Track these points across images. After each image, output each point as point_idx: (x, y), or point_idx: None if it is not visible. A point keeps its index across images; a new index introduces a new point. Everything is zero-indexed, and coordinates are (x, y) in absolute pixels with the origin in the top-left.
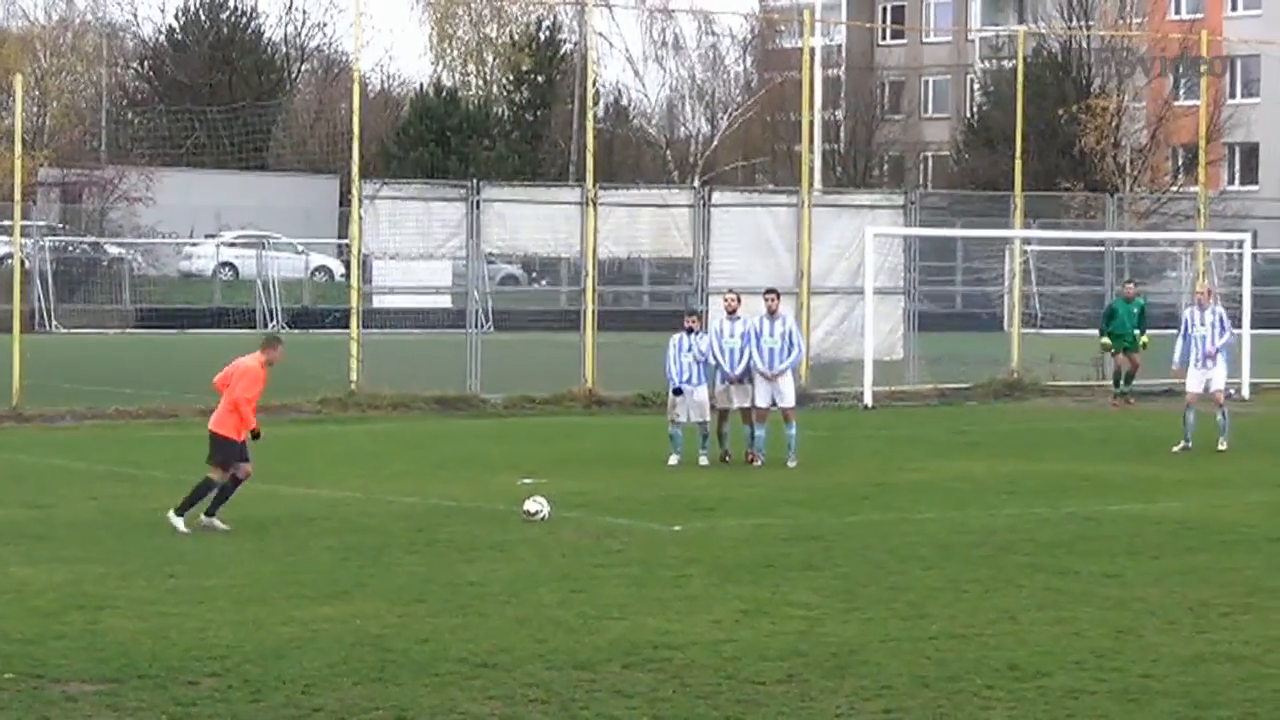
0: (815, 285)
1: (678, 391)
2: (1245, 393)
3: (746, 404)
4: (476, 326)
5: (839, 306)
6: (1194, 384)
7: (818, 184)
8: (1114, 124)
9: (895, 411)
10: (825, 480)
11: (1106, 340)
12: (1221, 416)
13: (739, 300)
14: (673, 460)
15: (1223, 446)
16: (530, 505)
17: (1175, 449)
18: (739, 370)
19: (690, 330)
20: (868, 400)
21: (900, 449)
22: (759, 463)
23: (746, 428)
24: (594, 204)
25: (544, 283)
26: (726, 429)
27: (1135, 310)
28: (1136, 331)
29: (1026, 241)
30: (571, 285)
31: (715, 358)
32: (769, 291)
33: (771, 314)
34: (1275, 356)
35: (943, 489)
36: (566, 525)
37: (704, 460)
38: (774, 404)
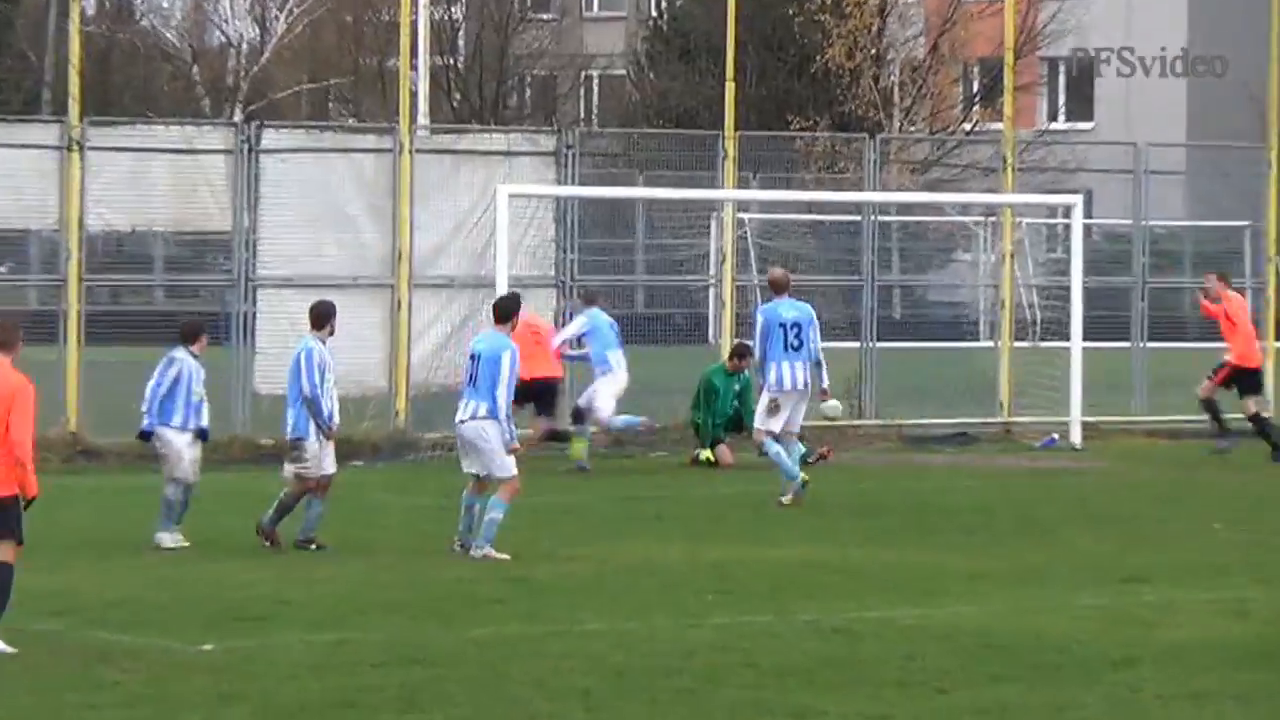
0: (419, 275)
1: (143, 436)
2: (1075, 438)
3: (333, 470)
4: None
5: (456, 306)
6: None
7: (423, 119)
8: (875, 29)
9: (561, 459)
10: (437, 574)
11: (708, 455)
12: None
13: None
14: (166, 541)
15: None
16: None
17: (785, 499)
18: (337, 421)
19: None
20: None
21: (551, 524)
22: (315, 545)
23: (316, 504)
24: (81, 148)
25: (3, 270)
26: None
27: (737, 387)
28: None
29: (744, 207)
30: (46, 274)
31: (312, 399)
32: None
33: None
34: (1119, 381)
35: (614, 584)
36: (39, 643)
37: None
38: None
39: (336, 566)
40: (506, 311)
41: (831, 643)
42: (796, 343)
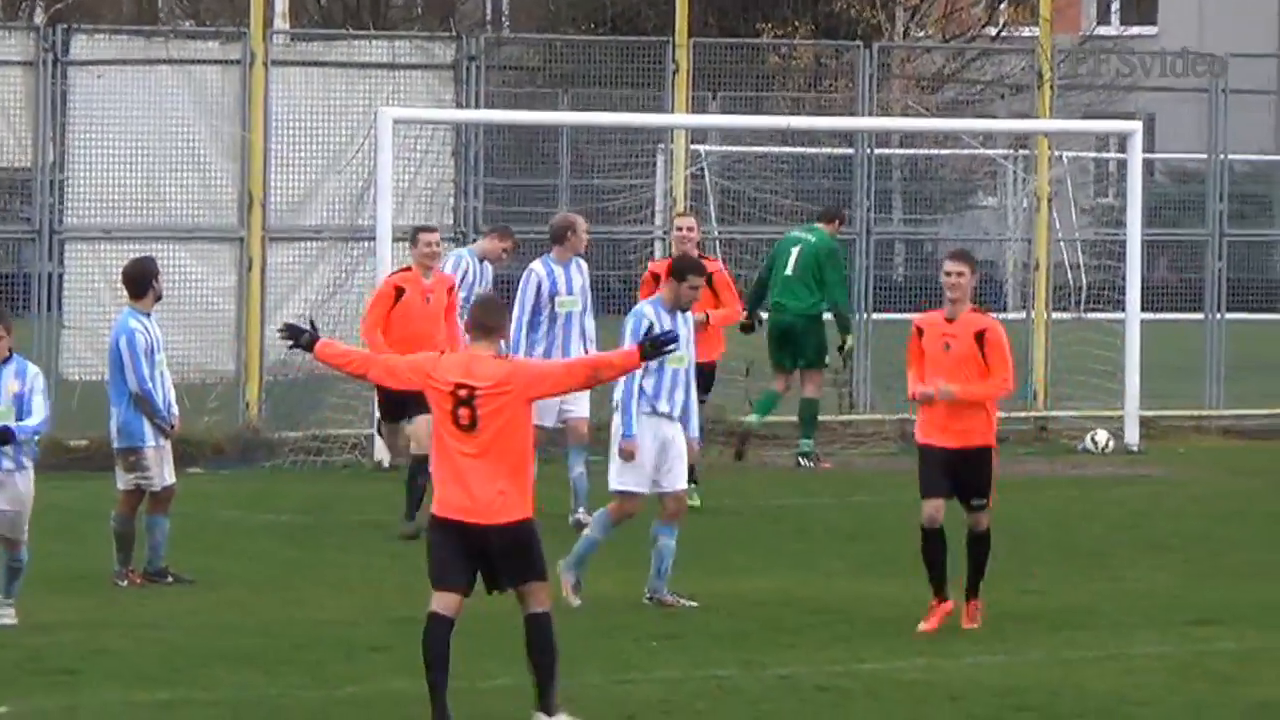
0: (278, 225)
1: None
2: (1131, 437)
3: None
4: None
5: (325, 266)
6: None
7: (282, 21)
8: None
9: None
10: (300, 614)
11: (843, 350)
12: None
13: None
14: None
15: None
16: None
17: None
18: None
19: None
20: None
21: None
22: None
23: (161, 521)
24: None
25: None
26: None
27: (823, 253)
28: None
29: (700, 137)
30: None
31: (144, 394)
32: None
33: None
34: (1189, 364)
35: None
36: None
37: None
38: None
39: (169, 603)
40: None
41: (814, 704)
42: None
